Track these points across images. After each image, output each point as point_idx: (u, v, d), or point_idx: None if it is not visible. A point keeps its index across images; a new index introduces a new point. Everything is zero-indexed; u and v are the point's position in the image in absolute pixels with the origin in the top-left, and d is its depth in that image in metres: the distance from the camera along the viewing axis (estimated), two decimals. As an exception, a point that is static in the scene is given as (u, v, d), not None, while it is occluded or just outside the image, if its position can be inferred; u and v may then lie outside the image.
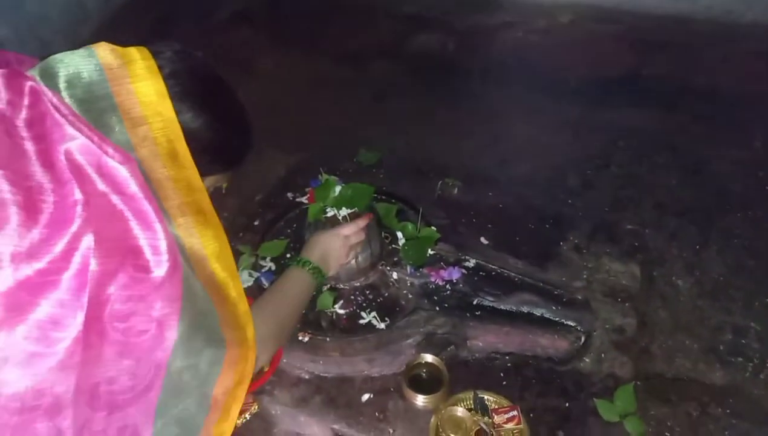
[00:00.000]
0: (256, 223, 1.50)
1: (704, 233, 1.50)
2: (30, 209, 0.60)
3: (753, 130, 1.75)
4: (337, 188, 1.25)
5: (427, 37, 2.22)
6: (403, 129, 1.84)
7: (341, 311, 1.28)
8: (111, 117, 0.66)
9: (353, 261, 1.27)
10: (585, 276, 1.34)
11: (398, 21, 2.32)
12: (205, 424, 0.78)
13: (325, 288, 1.31)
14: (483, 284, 1.31)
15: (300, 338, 1.23)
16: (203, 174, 0.74)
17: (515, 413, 1.11)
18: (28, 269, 0.58)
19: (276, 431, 1.20)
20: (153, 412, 0.69)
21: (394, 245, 1.37)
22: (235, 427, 1.16)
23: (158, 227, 0.64)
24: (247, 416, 1.18)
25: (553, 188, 1.60)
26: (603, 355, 1.22)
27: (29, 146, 0.63)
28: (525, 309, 1.27)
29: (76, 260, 0.60)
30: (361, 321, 1.26)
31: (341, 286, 1.32)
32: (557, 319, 1.26)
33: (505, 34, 2.17)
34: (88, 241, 0.61)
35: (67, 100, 0.65)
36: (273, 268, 1.37)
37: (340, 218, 1.23)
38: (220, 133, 0.78)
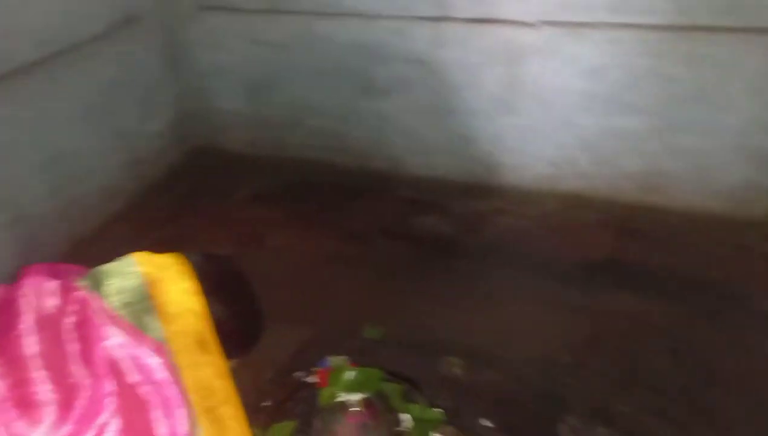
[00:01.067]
0: (263, 404, 1.56)
1: (694, 414, 1.56)
2: (65, 406, 0.67)
3: (730, 310, 1.88)
4: (351, 374, 1.34)
5: (427, 219, 2.43)
6: (406, 305, 1.97)
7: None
8: (149, 316, 0.77)
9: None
10: (584, 459, 1.39)
11: (399, 203, 2.55)
12: None
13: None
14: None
15: None
16: (227, 358, 0.84)
17: None
18: None
19: None
20: None
21: (398, 428, 1.43)
22: None
23: (182, 411, 0.72)
24: None
25: (549, 368, 1.68)
26: None
27: (72, 347, 0.72)
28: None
29: None
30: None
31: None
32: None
33: (498, 218, 2.39)
34: (113, 430, 0.68)
35: (111, 304, 0.76)
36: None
37: (353, 401, 1.31)
38: (241, 322, 0.91)
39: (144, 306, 0.77)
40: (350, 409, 1.30)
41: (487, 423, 1.48)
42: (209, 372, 0.79)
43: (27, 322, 0.72)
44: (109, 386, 0.70)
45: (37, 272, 0.80)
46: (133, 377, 0.71)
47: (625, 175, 2.32)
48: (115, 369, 0.71)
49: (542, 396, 1.58)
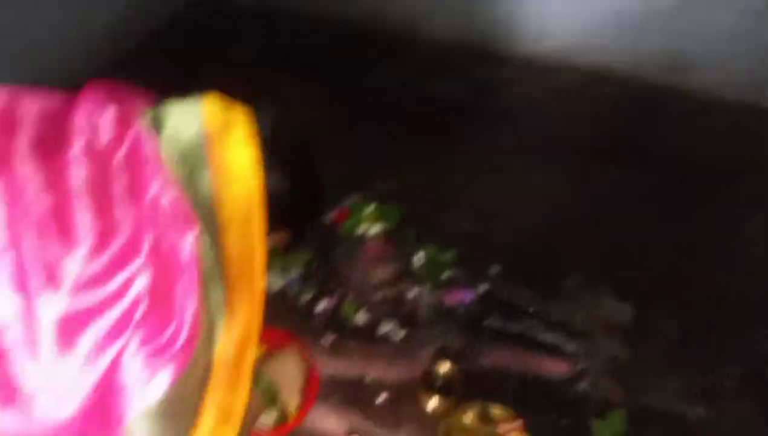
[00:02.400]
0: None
1: (693, 280, 1.63)
2: (102, 241, 0.64)
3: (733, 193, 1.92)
4: (371, 207, 1.37)
5: (440, 83, 2.39)
6: (417, 166, 1.97)
7: (362, 320, 1.39)
8: (201, 177, 0.70)
9: (378, 275, 1.38)
10: (584, 310, 1.47)
11: (413, 66, 2.50)
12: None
13: (348, 298, 1.41)
14: (493, 308, 1.43)
15: (322, 341, 1.33)
16: (271, 232, 0.77)
17: (519, 423, 1.21)
18: (85, 298, 0.62)
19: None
20: None
21: (412, 266, 1.49)
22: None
23: (191, 301, 0.66)
24: None
25: (559, 232, 1.73)
26: (598, 381, 1.34)
27: (117, 187, 0.67)
28: (530, 334, 1.39)
29: (128, 298, 0.64)
30: (380, 331, 1.37)
31: (364, 298, 1.43)
32: (559, 345, 1.38)
33: (513, 88, 2.35)
34: (142, 282, 0.64)
35: (165, 153, 0.70)
36: (299, 276, 1.47)
37: (371, 233, 1.35)
38: (297, 200, 0.83)
39: (199, 161, 0.70)
40: (369, 241, 1.34)
41: (496, 271, 1.54)
42: (246, 246, 0.72)
43: (78, 146, 0.67)
44: (147, 237, 0.66)
45: (98, 91, 0.72)
46: (168, 238, 0.67)
47: (649, 52, 2.26)
48: (154, 222, 0.67)
49: (551, 254, 1.64)
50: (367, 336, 1.36)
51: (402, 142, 2.11)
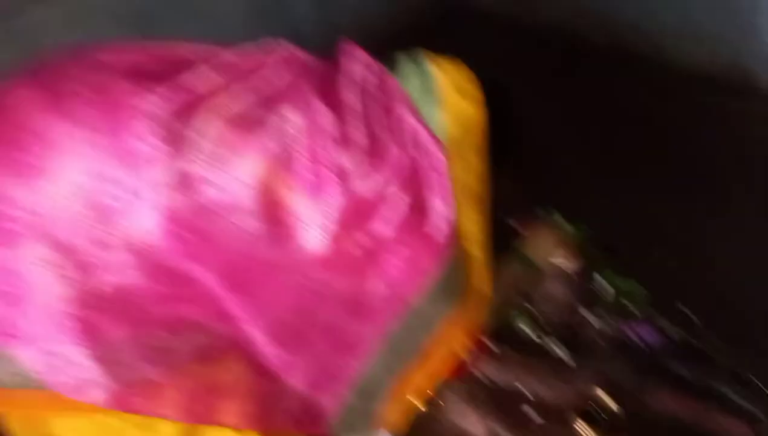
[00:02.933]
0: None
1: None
2: (371, 154, 0.82)
3: None
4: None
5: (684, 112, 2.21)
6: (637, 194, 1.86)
7: (531, 334, 1.39)
8: (432, 109, 0.88)
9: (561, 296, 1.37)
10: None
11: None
12: (412, 368, 0.94)
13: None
14: (679, 353, 1.31)
15: (488, 344, 1.36)
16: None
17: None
18: (361, 194, 0.80)
19: (439, 415, 1.33)
20: (383, 334, 0.87)
21: (594, 289, 1.44)
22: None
23: (450, 201, 0.84)
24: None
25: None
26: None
27: (377, 110, 0.85)
28: (714, 386, 1.25)
29: (391, 202, 0.81)
30: (550, 350, 1.36)
31: (538, 313, 1.43)
32: (742, 402, 1.21)
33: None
34: (401, 189, 0.82)
35: (404, 88, 0.88)
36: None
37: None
38: (513, 137, 1.03)
39: (430, 99, 0.88)
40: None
41: (692, 315, 1.40)
42: (473, 174, 0.91)
43: (347, 81, 0.85)
44: (404, 154, 0.83)
45: (354, 48, 0.92)
46: (423, 158, 0.84)
47: None
48: (410, 143, 0.84)
49: (762, 309, 1.43)
50: (535, 352, 1.36)
51: (625, 169, 2.01)
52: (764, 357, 1.31)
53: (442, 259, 0.83)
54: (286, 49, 0.88)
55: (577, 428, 1.22)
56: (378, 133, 0.83)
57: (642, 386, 1.26)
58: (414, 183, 0.82)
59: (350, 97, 0.83)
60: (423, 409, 1.33)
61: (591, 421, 1.22)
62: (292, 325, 0.82)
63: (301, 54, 0.89)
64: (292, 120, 0.79)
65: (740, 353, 1.32)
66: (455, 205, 0.84)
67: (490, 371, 1.34)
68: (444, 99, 0.87)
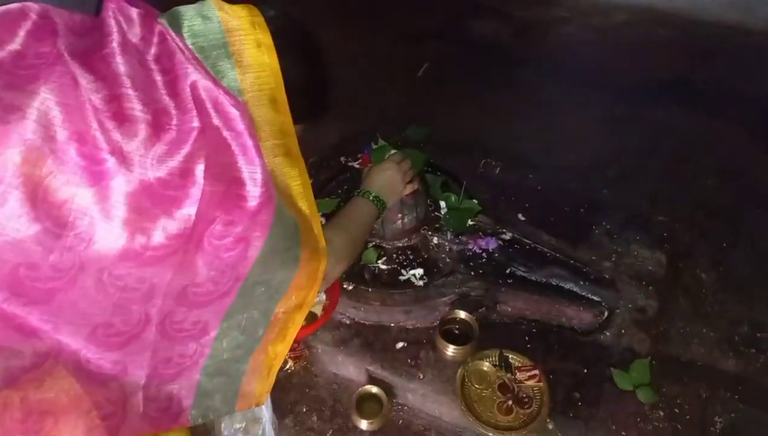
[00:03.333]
0: (310, 182, 1.62)
1: (734, 233, 1.56)
2: (156, 127, 0.70)
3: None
4: (391, 152, 1.36)
5: (484, 24, 2.30)
6: (453, 110, 1.94)
7: (384, 267, 1.40)
8: (225, 64, 0.77)
9: (399, 222, 1.38)
10: (613, 258, 1.43)
11: (457, 6, 2.41)
12: (264, 337, 0.88)
13: (370, 245, 1.43)
14: (517, 255, 1.41)
15: (344, 285, 1.35)
16: (293, 121, 0.84)
17: (536, 372, 1.21)
18: (152, 175, 0.69)
19: (315, 368, 1.33)
20: (223, 314, 0.80)
21: (437, 213, 1.48)
22: (290, 370, 1.30)
23: (258, 161, 0.74)
24: (303, 362, 1.30)
25: (592, 177, 1.68)
26: (623, 331, 1.31)
27: (157, 77, 0.73)
28: (554, 282, 1.37)
29: (191, 179, 0.71)
30: (401, 277, 1.38)
31: (385, 245, 1.43)
32: (583, 293, 1.35)
33: (560, 28, 2.24)
34: (200, 162, 0.71)
35: (191, 44, 0.76)
36: (324, 222, 1.49)
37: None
38: (311, 84, 0.91)
39: (221, 52, 0.77)
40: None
41: (522, 218, 1.51)
42: (275, 130, 0.80)
43: (115, 43, 0.71)
44: (195, 121, 0.72)
45: (118, 1, 0.76)
46: (215, 120, 0.73)
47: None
48: (199, 107, 0.72)
49: (580, 201, 1.59)
50: (389, 283, 1.37)
51: (435, 87, 2.07)
52: (581, 242, 1.47)
53: (264, 224, 0.76)
54: (36, 12, 0.70)
55: (437, 344, 1.27)
56: (164, 103, 0.72)
57: (491, 294, 1.34)
58: (217, 152, 0.72)
59: (124, 64, 0.70)
60: (295, 368, 1.32)
61: (449, 336, 1.28)
62: (112, 324, 0.73)
63: (57, 16, 0.71)
64: (53, 100, 0.65)
65: (564, 243, 1.45)
66: (267, 165, 0.76)
67: (352, 313, 1.33)
68: (239, 52, 0.77)
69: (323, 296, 1.30)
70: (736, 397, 1.27)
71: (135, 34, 0.74)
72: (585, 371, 1.26)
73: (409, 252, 1.43)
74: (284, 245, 0.83)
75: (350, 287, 1.35)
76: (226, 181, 0.73)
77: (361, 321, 1.34)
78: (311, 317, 1.27)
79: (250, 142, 0.74)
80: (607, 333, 1.31)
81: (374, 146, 1.45)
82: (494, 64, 2.14)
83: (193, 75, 0.73)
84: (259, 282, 0.82)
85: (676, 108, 1.91)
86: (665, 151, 1.77)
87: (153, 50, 0.74)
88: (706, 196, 1.65)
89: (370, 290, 1.34)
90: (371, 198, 1.18)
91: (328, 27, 2.33)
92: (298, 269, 0.86)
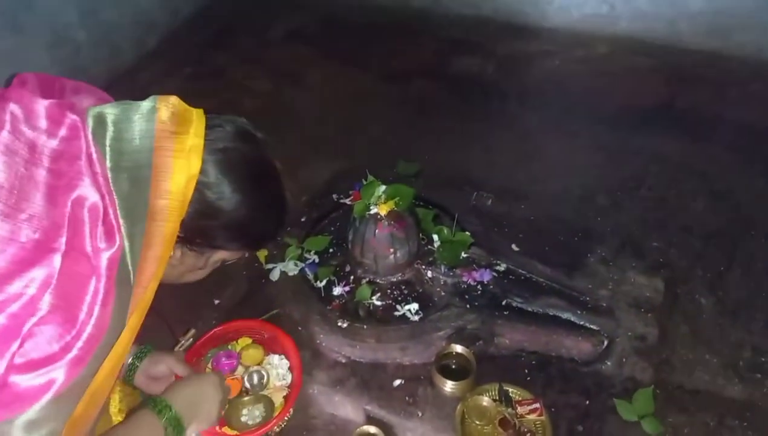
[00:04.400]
0: (302, 219, 1.62)
1: (728, 256, 1.55)
2: (10, 235, 0.60)
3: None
4: (381, 188, 1.35)
5: (468, 59, 2.34)
6: (441, 144, 1.95)
7: (378, 303, 1.38)
8: (141, 182, 0.67)
9: (392, 257, 1.36)
10: (610, 286, 1.41)
11: (440, 43, 2.45)
12: None
13: (364, 281, 1.41)
14: (512, 286, 1.39)
15: (339, 323, 1.32)
16: (219, 247, 0.77)
17: (537, 405, 1.18)
18: None
19: (312, 410, 1.29)
20: None
21: (429, 246, 1.47)
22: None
23: (96, 313, 0.63)
24: (282, 425, 1.26)
25: (583, 206, 1.68)
26: (624, 360, 1.29)
27: (43, 177, 0.63)
28: (551, 312, 1.35)
29: (26, 298, 0.60)
30: (396, 313, 1.35)
31: (379, 280, 1.41)
32: (582, 323, 1.33)
33: (543, 61, 2.28)
34: (46, 299, 0.60)
35: (108, 151, 0.66)
36: (317, 260, 1.47)
37: (383, 214, 1.33)
38: (253, 217, 0.77)
39: (142, 173, 0.66)
40: (380, 220, 1.32)
41: (516, 248, 1.50)
42: (155, 270, 0.69)
43: (5, 129, 0.63)
44: (61, 243, 0.62)
45: (34, 84, 0.69)
46: (87, 247, 0.62)
47: (688, 15, 2.15)
48: (73, 228, 0.62)
49: (573, 229, 1.58)
50: (384, 319, 1.35)
51: (423, 123, 2.08)
52: (577, 270, 1.45)
53: (67, 380, 0.61)
54: None
55: (435, 380, 1.24)
56: (36, 216, 0.62)
57: (488, 326, 1.32)
58: (72, 283, 0.61)
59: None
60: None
61: (446, 371, 1.25)
62: None
63: None
64: None
65: (559, 272, 1.44)
66: (94, 337, 0.63)
67: (348, 351, 1.31)
68: (163, 172, 0.67)
69: (288, 379, 1.24)
70: (745, 424, 1.24)
71: (36, 127, 0.65)
72: (587, 402, 1.23)
73: (403, 287, 1.41)
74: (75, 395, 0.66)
75: (344, 325, 1.32)
76: (63, 319, 0.61)
77: (357, 359, 1.31)
78: (268, 404, 1.20)
79: (103, 287, 0.63)
80: (608, 363, 1.29)
81: (364, 183, 1.45)
82: (480, 98, 2.16)
83: (86, 190, 0.63)
84: None
85: (661, 134, 1.93)
86: (653, 177, 1.78)
87: (54, 145, 0.65)
88: (697, 219, 1.64)
89: (365, 326, 1.32)
90: (165, 418, 0.87)
91: (317, 67, 2.39)
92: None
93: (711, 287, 1.48)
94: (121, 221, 0.65)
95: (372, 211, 1.33)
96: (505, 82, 2.22)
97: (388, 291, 1.40)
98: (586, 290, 1.39)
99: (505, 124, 2.03)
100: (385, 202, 1.32)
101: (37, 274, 0.60)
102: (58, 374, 0.61)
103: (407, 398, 1.24)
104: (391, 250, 1.35)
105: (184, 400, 0.91)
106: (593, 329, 1.32)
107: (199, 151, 0.69)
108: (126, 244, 0.65)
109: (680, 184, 1.76)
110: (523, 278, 1.42)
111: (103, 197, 0.64)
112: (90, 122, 0.66)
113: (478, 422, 1.17)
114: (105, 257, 0.63)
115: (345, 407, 1.27)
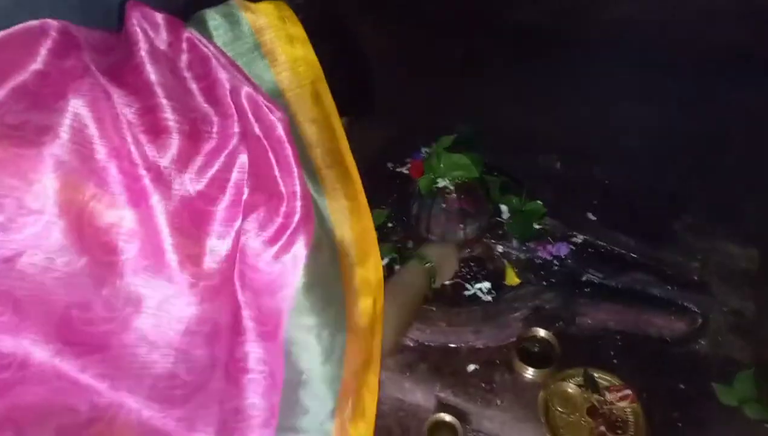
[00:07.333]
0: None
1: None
2: (194, 138, 0.63)
3: None
4: (447, 157, 1.25)
5: (522, 9, 2.16)
6: (500, 105, 1.81)
7: (446, 282, 1.29)
8: (259, 66, 0.70)
9: (461, 233, 1.27)
10: (700, 257, 1.29)
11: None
12: (338, 412, 0.75)
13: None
14: (592, 260, 1.28)
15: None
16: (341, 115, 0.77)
17: (629, 391, 1.09)
18: (192, 190, 0.62)
19: (380, 396, 1.22)
20: (280, 348, 0.69)
21: (498, 218, 1.36)
22: None
23: (297, 172, 0.66)
24: None
25: (664, 167, 1.53)
26: (720, 338, 1.18)
27: (193, 84, 0.66)
28: (637, 288, 1.24)
29: (230, 189, 0.63)
30: (467, 293, 1.27)
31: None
32: (672, 299, 1.22)
33: (608, 5, 2.08)
34: (241, 168, 0.63)
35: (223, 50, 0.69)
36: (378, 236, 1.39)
37: (452, 187, 1.23)
38: (352, 71, 0.84)
39: (254, 55, 0.70)
40: (449, 195, 1.22)
41: (593, 217, 1.38)
42: (324, 131, 0.72)
43: (143, 51, 0.65)
44: (235, 126, 0.65)
45: (142, 7, 0.70)
46: (255, 129, 0.66)
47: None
48: (240, 114, 0.66)
49: (654, 194, 1.45)
50: (454, 300, 1.26)
51: (479, 80, 1.94)
52: (662, 241, 1.33)
53: (308, 245, 0.66)
54: (56, 29, 0.63)
55: (514, 366, 1.16)
56: (203, 112, 0.65)
57: (568, 306, 1.22)
58: (257, 162, 0.65)
59: (155, 73, 0.64)
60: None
61: (526, 355, 1.16)
62: (175, 374, 0.64)
63: (77, 31, 0.64)
64: (85, 116, 0.59)
65: (643, 244, 1.32)
66: (303, 177, 0.67)
67: (416, 334, 1.22)
68: (272, 52, 0.71)
69: None
70: None
71: (163, 41, 0.67)
72: (682, 387, 1.13)
73: (472, 264, 1.31)
74: (326, 278, 0.71)
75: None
76: (267, 194, 0.65)
77: (427, 343, 1.23)
78: None
79: (288, 151, 0.66)
80: (702, 342, 1.18)
81: (423, 151, 1.34)
82: (539, 51, 1.99)
83: (232, 81, 0.66)
84: (309, 327, 0.69)
85: (744, 83, 1.74)
86: (741, 135, 1.61)
87: (184, 57, 0.67)
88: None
89: (434, 308, 1.23)
90: (429, 266, 1.12)
91: (358, 25, 2.25)
92: (346, 310, 0.74)
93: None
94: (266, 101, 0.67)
95: (440, 185, 1.23)
96: (567, 31, 2.03)
97: (457, 269, 1.31)
98: (674, 262, 1.27)
99: (570, 78, 1.87)
100: (453, 177, 1.21)
101: (227, 157, 0.63)
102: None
103: (483, 384, 1.16)
104: (461, 225, 1.25)
105: (436, 258, 1.15)
106: (684, 305, 1.21)
107: (294, 19, 0.73)
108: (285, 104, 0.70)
109: (770, 138, 1.59)
110: (603, 250, 1.31)
111: (247, 83, 0.66)
112: (193, 30, 0.68)
113: (562, 411, 1.09)
114: (279, 129, 0.66)
115: (415, 394, 1.20)
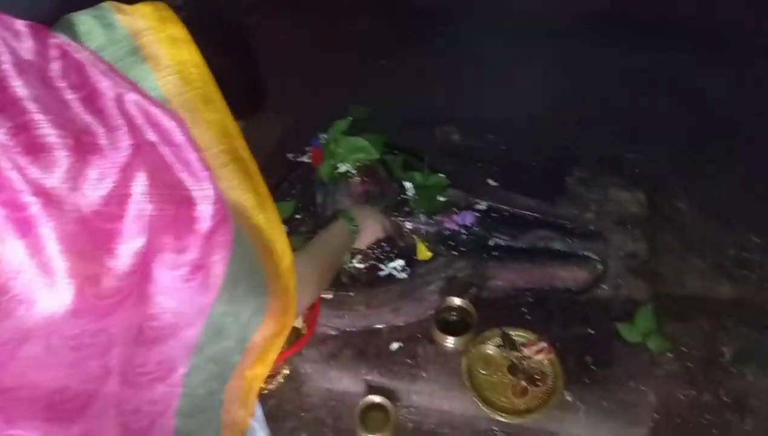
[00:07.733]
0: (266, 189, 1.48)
1: (701, 159, 1.53)
2: (80, 150, 0.57)
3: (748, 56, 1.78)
4: (344, 142, 1.24)
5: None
6: (393, 83, 1.82)
7: (360, 266, 1.29)
8: (140, 71, 0.65)
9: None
10: (594, 207, 1.36)
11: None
12: (239, 364, 0.78)
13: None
14: (497, 224, 1.33)
15: (324, 295, 1.24)
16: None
17: (544, 344, 1.14)
18: (86, 209, 0.57)
19: (306, 388, 1.21)
20: (191, 349, 0.69)
21: (403, 196, 1.37)
22: (267, 390, 1.19)
23: (206, 175, 0.63)
24: (280, 378, 1.19)
25: (553, 127, 1.61)
26: (619, 281, 1.26)
27: (69, 95, 0.60)
28: (541, 245, 1.29)
29: (132, 204, 0.59)
30: (381, 273, 1.27)
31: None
32: (573, 251, 1.28)
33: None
34: (140, 184, 0.59)
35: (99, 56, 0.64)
36: (286, 229, 1.36)
37: (353, 170, 1.22)
38: (242, 73, 0.79)
39: (134, 60, 0.65)
40: (351, 179, 1.21)
41: (494, 183, 1.43)
42: (217, 133, 0.69)
43: (7, 64, 0.58)
44: (126, 138, 0.60)
45: None
46: (149, 135, 0.62)
47: None
48: (129, 124, 0.61)
49: (547, 153, 1.52)
50: (370, 281, 1.27)
51: (372, 62, 1.94)
52: (558, 197, 1.40)
53: (223, 246, 0.64)
54: None
55: (434, 337, 1.18)
56: (85, 123, 0.60)
57: (479, 271, 1.26)
58: (158, 170, 0.61)
59: (23, 87, 0.57)
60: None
61: (445, 325, 1.19)
62: (67, 386, 0.61)
63: None
64: None
65: (541, 202, 1.38)
66: (213, 176, 0.65)
67: (336, 322, 1.22)
68: (154, 55, 0.66)
69: None
70: (738, 322, 1.25)
71: (28, 51, 0.61)
72: (591, 331, 1.20)
73: (384, 244, 1.32)
74: (249, 268, 0.72)
75: (329, 296, 1.24)
76: (175, 202, 0.62)
77: (348, 329, 1.23)
78: (293, 333, 1.15)
79: (193, 155, 0.63)
80: (604, 287, 1.25)
81: (321, 137, 1.32)
82: (425, 31, 2.03)
83: (115, 88, 0.62)
84: (227, 313, 0.70)
85: (616, 42, 1.86)
86: (617, 88, 1.72)
87: (56, 66, 0.61)
88: (670, 127, 1.61)
89: (351, 293, 1.23)
90: (352, 226, 1.15)
91: (251, 14, 2.18)
92: (268, 294, 0.75)
93: (689, 191, 1.46)
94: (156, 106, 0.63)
95: (341, 170, 1.22)
96: (453, 8, 2.08)
97: (369, 251, 1.31)
98: (571, 215, 1.34)
99: (458, 53, 1.92)
100: (353, 158, 1.20)
101: (121, 171, 0.59)
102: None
103: (408, 360, 1.18)
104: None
105: (361, 220, 1.17)
106: (585, 255, 1.28)
107: (174, 19, 0.68)
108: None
109: (647, 92, 1.71)
110: (506, 213, 1.36)
111: (132, 88, 0.63)
112: (62, 35, 0.63)
113: (485, 372, 1.13)
114: (175, 133, 0.63)
115: (342, 381, 1.20)
